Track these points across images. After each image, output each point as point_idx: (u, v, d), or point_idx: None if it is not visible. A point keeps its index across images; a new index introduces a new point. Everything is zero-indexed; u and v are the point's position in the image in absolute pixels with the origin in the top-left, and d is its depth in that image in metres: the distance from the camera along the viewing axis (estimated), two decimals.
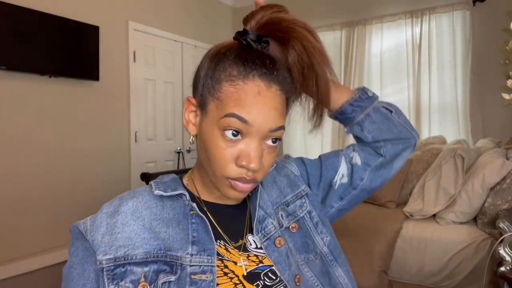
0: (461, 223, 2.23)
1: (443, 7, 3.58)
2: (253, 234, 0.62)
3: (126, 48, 3.36)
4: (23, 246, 2.59)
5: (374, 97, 0.72)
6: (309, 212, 0.69)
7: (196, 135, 0.60)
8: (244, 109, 0.52)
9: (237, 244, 0.60)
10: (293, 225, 0.66)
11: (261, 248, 0.61)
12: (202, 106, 0.57)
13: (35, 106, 2.69)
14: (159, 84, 3.73)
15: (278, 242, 0.61)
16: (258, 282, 0.57)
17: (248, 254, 0.60)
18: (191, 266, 0.54)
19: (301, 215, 0.68)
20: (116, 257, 0.52)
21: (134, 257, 0.53)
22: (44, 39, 2.66)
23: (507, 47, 3.28)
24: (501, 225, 1.81)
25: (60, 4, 2.79)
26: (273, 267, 0.59)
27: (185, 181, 0.66)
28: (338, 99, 0.71)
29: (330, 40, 4.24)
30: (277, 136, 0.56)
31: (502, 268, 1.50)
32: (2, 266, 2.43)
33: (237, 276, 0.56)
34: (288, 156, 0.79)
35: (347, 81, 4.13)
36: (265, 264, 0.59)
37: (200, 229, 0.58)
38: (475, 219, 2.26)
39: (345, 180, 0.72)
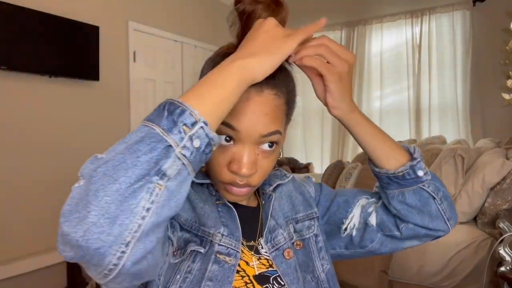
0: (461, 223, 2.23)
1: (443, 7, 3.58)
2: (263, 237, 0.62)
3: (126, 48, 3.36)
4: (22, 246, 2.59)
5: (421, 179, 0.61)
6: (316, 236, 0.68)
7: None
8: (233, 116, 0.52)
9: (249, 244, 0.61)
10: (298, 243, 0.65)
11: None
12: None
13: (35, 106, 2.69)
14: (159, 84, 3.73)
15: (287, 253, 0.61)
16: (267, 285, 0.57)
17: (259, 257, 0.60)
18: (219, 245, 0.56)
19: (307, 236, 0.67)
20: None
21: (180, 217, 0.56)
22: (44, 39, 2.66)
23: (507, 47, 3.28)
24: (501, 225, 1.81)
25: (60, 4, 2.79)
26: None
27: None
28: (381, 164, 0.62)
29: None
30: (272, 140, 0.55)
31: (502, 268, 1.50)
32: (1, 266, 2.43)
33: (248, 275, 0.57)
34: (309, 177, 0.78)
35: None
36: (275, 269, 0.59)
37: (227, 217, 0.59)
38: (475, 219, 2.26)
39: (353, 233, 0.69)
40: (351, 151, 4.14)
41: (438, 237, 0.67)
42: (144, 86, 3.55)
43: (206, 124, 0.41)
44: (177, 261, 0.53)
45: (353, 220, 0.69)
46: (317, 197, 0.73)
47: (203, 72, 0.59)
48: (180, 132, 0.40)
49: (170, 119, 0.40)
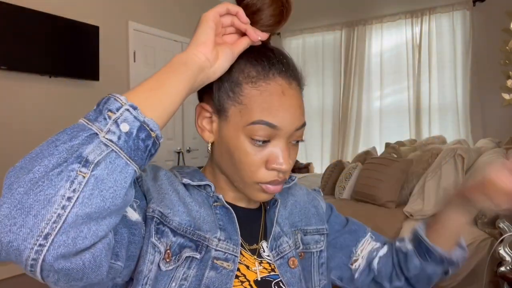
0: None
1: (443, 7, 3.58)
2: (267, 241, 0.60)
3: (126, 48, 3.36)
4: None
5: (457, 265, 0.65)
6: (321, 251, 0.66)
7: (213, 142, 0.57)
8: (271, 113, 0.50)
9: (252, 247, 0.59)
10: (301, 253, 0.63)
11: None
12: (220, 111, 0.54)
13: (35, 106, 2.69)
14: None
15: (292, 262, 0.59)
16: None
17: (261, 260, 0.58)
18: (216, 250, 0.53)
19: (313, 250, 0.65)
20: (163, 214, 0.52)
21: (171, 222, 0.52)
22: (44, 39, 2.67)
23: (507, 47, 3.28)
24: (501, 225, 1.81)
25: (60, 4, 2.79)
26: None
27: (206, 174, 0.64)
28: (445, 242, 0.63)
29: (330, 40, 4.24)
30: (301, 133, 0.55)
31: (502, 268, 1.50)
32: (2, 266, 2.43)
33: (248, 280, 0.55)
34: (319, 191, 0.76)
35: (347, 81, 4.13)
36: (277, 273, 0.57)
37: (225, 220, 0.57)
38: (475, 219, 2.26)
39: (356, 275, 0.69)
40: (351, 151, 4.14)
41: None
42: None
43: (134, 107, 0.39)
44: (171, 268, 0.50)
45: (360, 255, 0.70)
46: (328, 216, 0.72)
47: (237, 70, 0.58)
48: (105, 118, 0.38)
49: (97, 110, 0.39)
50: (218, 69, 0.49)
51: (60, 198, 0.34)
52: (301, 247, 0.63)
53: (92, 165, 0.36)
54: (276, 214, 0.62)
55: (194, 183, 0.58)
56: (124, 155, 0.38)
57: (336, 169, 3.20)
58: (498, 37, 3.33)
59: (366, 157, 3.26)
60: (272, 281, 0.56)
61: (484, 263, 1.90)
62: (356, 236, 0.71)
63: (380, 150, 3.67)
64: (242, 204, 0.62)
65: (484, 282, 1.82)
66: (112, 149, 0.37)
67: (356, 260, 0.69)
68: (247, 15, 0.52)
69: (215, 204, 0.58)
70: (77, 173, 0.35)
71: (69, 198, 0.35)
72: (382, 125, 4.01)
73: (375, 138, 4.07)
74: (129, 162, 0.38)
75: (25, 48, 2.55)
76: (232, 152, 0.53)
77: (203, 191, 0.59)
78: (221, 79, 0.52)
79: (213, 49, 0.48)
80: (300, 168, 4.20)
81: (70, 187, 0.35)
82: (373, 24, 3.98)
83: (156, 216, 0.51)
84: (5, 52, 2.45)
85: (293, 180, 0.70)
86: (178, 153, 3.95)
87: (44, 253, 0.34)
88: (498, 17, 3.32)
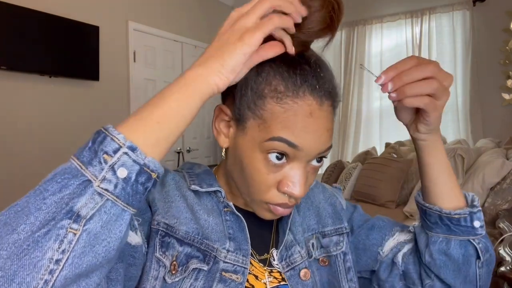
0: None
1: (443, 7, 3.58)
2: (277, 249, 0.57)
3: (126, 48, 3.36)
4: None
5: (476, 231, 0.53)
6: (344, 254, 0.60)
7: (227, 147, 0.53)
8: (293, 133, 0.45)
9: (262, 257, 0.56)
10: (323, 259, 0.58)
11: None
12: (239, 120, 0.49)
13: (35, 106, 2.69)
14: (159, 84, 3.72)
15: (303, 274, 0.55)
16: None
17: (271, 270, 0.55)
18: (224, 262, 0.51)
19: (334, 253, 0.60)
20: (169, 225, 0.49)
21: (178, 232, 0.49)
22: (44, 39, 2.66)
23: (507, 47, 3.28)
24: (501, 225, 1.81)
25: (60, 4, 2.79)
26: None
27: (218, 176, 0.60)
28: (436, 199, 0.55)
29: None
30: (325, 155, 0.50)
31: (502, 268, 1.50)
32: None
33: None
34: (339, 188, 0.71)
35: (347, 81, 4.13)
36: (287, 283, 0.54)
37: (235, 227, 0.54)
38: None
39: (380, 269, 0.61)
40: (351, 151, 4.14)
41: None
42: (144, 86, 3.55)
43: (133, 149, 0.34)
44: (177, 279, 0.48)
45: (387, 249, 0.62)
46: (350, 213, 0.66)
47: (263, 81, 0.51)
48: (100, 162, 0.33)
49: (92, 149, 0.34)
50: (233, 81, 0.42)
51: (47, 262, 0.31)
52: (317, 254, 0.58)
53: (85, 220, 0.32)
54: (289, 222, 0.58)
55: (203, 190, 0.54)
56: (120, 203, 0.34)
57: (336, 169, 3.20)
58: (498, 37, 3.33)
59: (366, 157, 3.26)
60: None
61: None
62: (382, 234, 0.63)
63: (380, 150, 3.67)
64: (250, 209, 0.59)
65: None
66: (108, 198, 0.33)
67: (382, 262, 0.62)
68: None
69: (225, 210, 0.55)
70: (67, 231, 0.31)
71: (57, 261, 0.31)
72: (382, 125, 4.01)
73: (375, 138, 4.06)
74: (125, 209, 0.35)
75: (25, 48, 2.55)
76: (245, 166, 0.49)
77: (213, 196, 0.56)
78: (245, 86, 0.47)
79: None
80: None
81: (59, 248, 0.31)
82: (373, 24, 3.98)
83: (161, 229, 0.49)
84: (5, 52, 2.45)
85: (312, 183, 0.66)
86: (178, 153, 3.95)
87: None
88: (498, 17, 3.32)
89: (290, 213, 0.58)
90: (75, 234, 0.32)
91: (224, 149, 0.53)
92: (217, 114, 0.52)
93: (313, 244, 0.59)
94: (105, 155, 0.34)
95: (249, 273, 0.52)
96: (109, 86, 3.17)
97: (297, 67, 0.46)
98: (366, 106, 4.09)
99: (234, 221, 0.54)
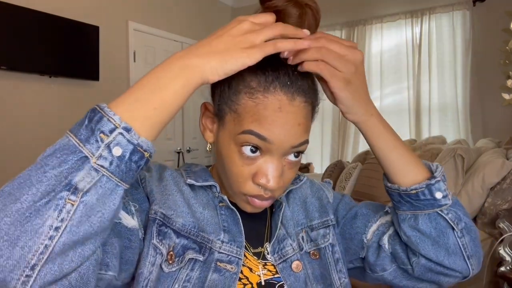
0: None
1: (443, 7, 3.58)
2: (270, 243, 0.59)
3: (126, 48, 3.36)
4: None
5: (439, 203, 0.53)
6: (332, 246, 0.62)
7: (213, 143, 0.56)
8: (263, 126, 0.47)
9: (256, 251, 0.58)
10: (314, 252, 0.60)
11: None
12: (219, 116, 0.53)
13: (35, 106, 2.69)
14: None
15: (295, 266, 0.57)
16: None
17: (265, 263, 0.57)
18: (219, 252, 0.53)
19: (322, 245, 0.62)
20: (165, 215, 0.52)
21: (174, 224, 0.52)
22: (44, 39, 2.66)
23: (507, 47, 3.28)
24: (501, 225, 1.81)
25: (60, 4, 2.79)
26: None
27: (213, 174, 0.63)
28: (394, 177, 0.55)
29: None
30: (300, 150, 0.52)
31: (502, 268, 1.50)
32: None
33: (251, 283, 0.54)
34: (329, 182, 0.72)
35: None
36: (280, 276, 0.56)
37: (230, 221, 0.56)
38: (475, 219, 2.26)
39: (366, 255, 0.62)
40: (351, 151, 4.14)
41: (462, 278, 0.57)
42: None
43: (128, 130, 0.37)
44: (174, 269, 0.51)
45: (366, 237, 0.62)
46: (336, 205, 0.67)
47: (237, 78, 0.53)
48: (97, 141, 0.37)
49: (89, 128, 0.37)
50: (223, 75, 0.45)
51: (47, 228, 0.34)
52: (307, 247, 0.60)
53: (82, 193, 0.35)
54: (281, 216, 0.60)
55: (199, 184, 0.57)
56: (115, 179, 0.37)
57: (336, 169, 3.20)
58: (498, 37, 3.33)
59: (366, 157, 3.26)
60: (276, 284, 0.55)
61: (484, 263, 1.90)
62: (365, 221, 0.63)
63: None
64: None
65: (484, 282, 1.82)
66: (103, 174, 0.37)
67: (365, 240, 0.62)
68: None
69: (221, 204, 0.58)
70: (65, 201, 0.35)
71: (56, 228, 0.34)
72: None
73: None
74: (119, 184, 0.38)
75: (25, 48, 2.55)
76: (224, 159, 0.52)
77: (209, 191, 0.59)
78: (224, 83, 0.50)
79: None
80: (300, 168, 4.19)
81: (58, 216, 0.34)
82: (373, 24, 3.98)
83: (158, 218, 0.52)
84: (5, 52, 2.45)
85: (302, 180, 0.68)
86: (178, 153, 3.95)
87: (31, 283, 0.33)
88: (498, 17, 3.32)
89: (281, 208, 0.61)
90: (73, 205, 0.35)
91: (209, 144, 0.57)
92: (203, 111, 0.56)
93: (302, 237, 0.61)
94: (101, 134, 0.37)
95: (243, 265, 0.55)
96: (109, 86, 3.17)
97: (271, 66, 0.48)
98: None
99: (228, 215, 0.57)
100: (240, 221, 0.56)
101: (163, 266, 0.50)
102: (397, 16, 3.84)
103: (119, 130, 0.37)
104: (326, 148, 4.36)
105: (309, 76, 0.51)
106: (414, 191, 0.53)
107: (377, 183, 2.64)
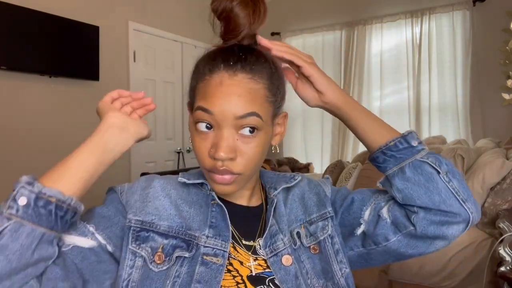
0: None
1: (443, 7, 3.58)
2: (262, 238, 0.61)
3: (126, 48, 3.36)
4: None
5: (416, 149, 0.59)
6: (331, 237, 0.64)
7: None
8: (207, 100, 0.54)
9: (247, 244, 0.60)
10: (314, 247, 0.62)
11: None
12: (189, 107, 0.61)
13: (35, 106, 2.69)
14: (159, 84, 3.72)
15: (285, 260, 0.58)
16: (262, 286, 0.56)
17: (256, 257, 0.59)
18: (205, 247, 0.56)
19: (322, 237, 0.64)
20: (144, 221, 0.57)
21: (158, 227, 0.57)
22: (44, 39, 2.66)
23: (507, 47, 3.28)
24: (501, 225, 1.81)
25: (60, 4, 2.79)
26: None
27: None
28: (375, 141, 0.62)
29: (330, 40, 4.24)
30: (249, 123, 0.54)
31: (502, 268, 1.50)
32: None
33: (240, 275, 0.56)
34: (327, 178, 0.74)
35: (347, 81, 4.13)
36: (272, 271, 0.58)
37: (219, 217, 0.60)
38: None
39: (365, 228, 0.64)
40: (351, 151, 4.13)
41: (465, 222, 0.57)
42: (144, 86, 3.54)
43: (29, 183, 0.47)
44: (165, 268, 0.54)
45: (365, 215, 0.65)
46: (333, 197, 0.70)
47: (195, 71, 0.60)
48: (8, 199, 0.47)
49: (9, 195, 0.47)
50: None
51: None
52: (306, 242, 0.62)
53: None
54: (272, 211, 0.62)
55: (190, 182, 0.62)
56: (27, 223, 0.45)
57: (336, 169, 3.20)
58: (498, 37, 3.33)
59: (366, 157, 3.26)
60: (267, 278, 0.57)
61: (484, 263, 1.90)
62: (361, 205, 0.66)
63: None
64: (242, 202, 0.64)
65: (484, 282, 1.82)
66: (15, 221, 0.45)
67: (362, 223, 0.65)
68: (224, 21, 0.60)
69: (213, 202, 0.61)
70: None
71: None
72: None
73: None
74: (34, 227, 0.45)
75: (25, 48, 2.55)
76: (192, 143, 0.59)
77: (202, 189, 0.63)
78: (190, 79, 0.60)
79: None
80: (300, 168, 4.20)
81: None
82: (373, 24, 3.98)
83: (133, 225, 0.57)
84: (5, 52, 2.45)
85: (296, 179, 0.69)
86: (178, 153, 3.95)
87: None
88: (498, 17, 3.32)
89: (273, 204, 0.63)
90: None
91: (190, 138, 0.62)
92: (188, 109, 0.62)
93: (298, 233, 0.63)
94: (12, 193, 0.47)
95: (233, 258, 0.57)
96: (109, 86, 3.17)
97: (220, 54, 0.57)
98: (366, 106, 3.98)
99: (218, 211, 0.60)
100: (227, 216, 0.59)
101: (151, 266, 0.54)
102: (397, 16, 3.84)
103: (21, 184, 0.47)
104: (326, 148, 4.36)
105: (259, 59, 0.57)
106: (392, 143, 0.60)
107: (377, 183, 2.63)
